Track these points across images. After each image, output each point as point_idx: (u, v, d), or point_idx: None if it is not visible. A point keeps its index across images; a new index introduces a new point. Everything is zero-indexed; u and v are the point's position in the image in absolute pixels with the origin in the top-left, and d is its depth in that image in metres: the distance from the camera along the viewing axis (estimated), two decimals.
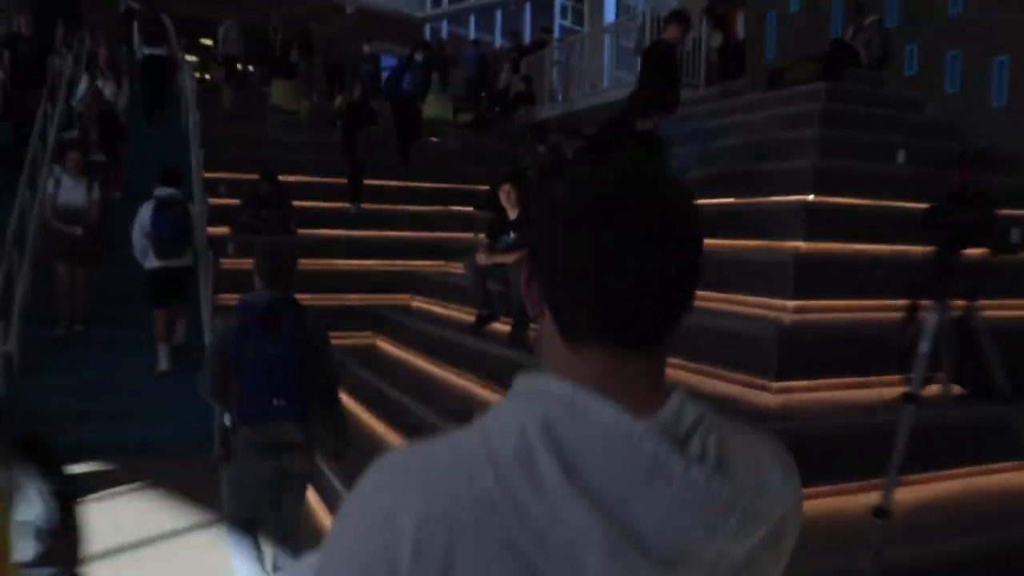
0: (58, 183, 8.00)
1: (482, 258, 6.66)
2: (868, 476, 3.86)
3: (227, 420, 3.89)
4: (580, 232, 0.84)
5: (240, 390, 3.68)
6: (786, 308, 5.00)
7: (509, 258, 6.52)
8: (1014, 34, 7.85)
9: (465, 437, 0.85)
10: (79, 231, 7.96)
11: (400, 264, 9.63)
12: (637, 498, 0.79)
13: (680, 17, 7.40)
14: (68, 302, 8.05)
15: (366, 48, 13.32)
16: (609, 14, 18.10)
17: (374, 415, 6.70)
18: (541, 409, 0.82)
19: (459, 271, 9.38)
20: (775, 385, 4.32)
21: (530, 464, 0.79)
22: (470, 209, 10.60)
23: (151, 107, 12.05)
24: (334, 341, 8.30)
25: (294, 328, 3.73)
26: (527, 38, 20.28)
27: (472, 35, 18.75)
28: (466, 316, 7.72)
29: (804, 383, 4.40)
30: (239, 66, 14.65)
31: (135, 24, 12.41)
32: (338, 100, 12.82)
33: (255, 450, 3.72)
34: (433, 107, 13.02)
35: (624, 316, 0.84)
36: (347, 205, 10.23)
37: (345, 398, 7.54)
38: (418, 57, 11.42)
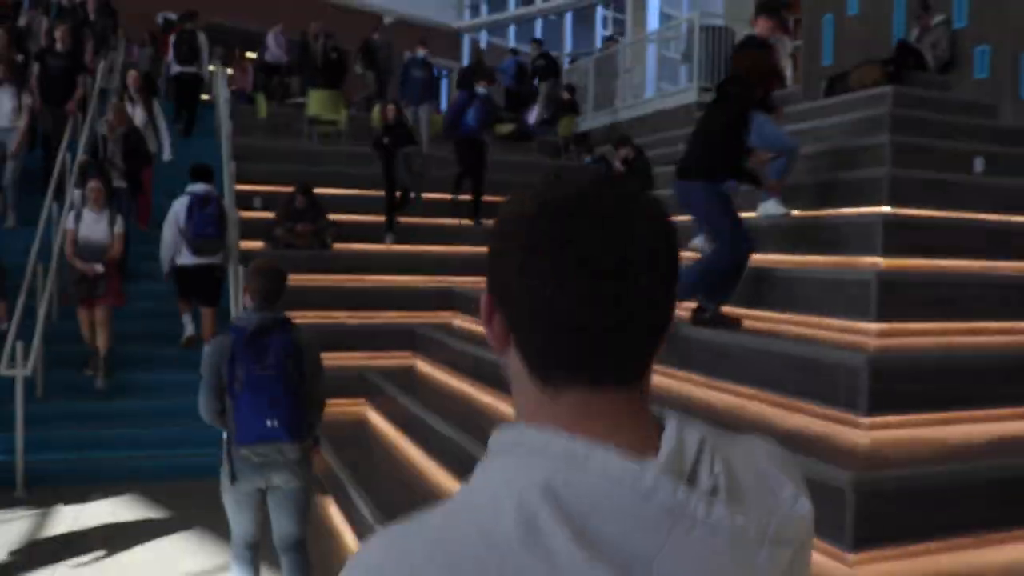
0: (79, 216, 7.48)
1: None
2: (985, 530, 3.36)
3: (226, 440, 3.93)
4: (543, 255, 0.76)
5: (234, 412, 3.75)
6: (869, 332, 4.51)
7: None
8: None
9: (449, 518, 0.75)
10: (100, 268, 7.38)
11: (441, 280, 9.22)
12: (660, 555, 0.71)
13: (769, 9, 6.57)
14: (92, 344, 7.49)
15: (420, 53, 12.34)
16: (652, 23, 17.66)
17: (414, 443, 6.30)
18: (535, 469, 0.74)
19: None
20: (865, 421, 3.83)
21: (536, 539, 0.69)
22: None
23: (183, 122, 11.87)
24: (371, 361, 8.12)
25: (283, 348, 3.79)
26: (568, 47, 19.97)
27: (511, 45, 18.39)
28: None
29: (898, 418, 3.90)
30: (279, 77, 14.29)
31: (171, 40, 12.26)
32: (375, 111, 12.47)
33: (252, 470, 3.79)
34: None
35: (599, 349, 0.77)
36: (384, 225, 9.78)
37: (382, 423, 7.19)
38: (480, 90, 10.34)
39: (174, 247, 7.66)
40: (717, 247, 5.20)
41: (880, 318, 4.49)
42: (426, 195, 10.23)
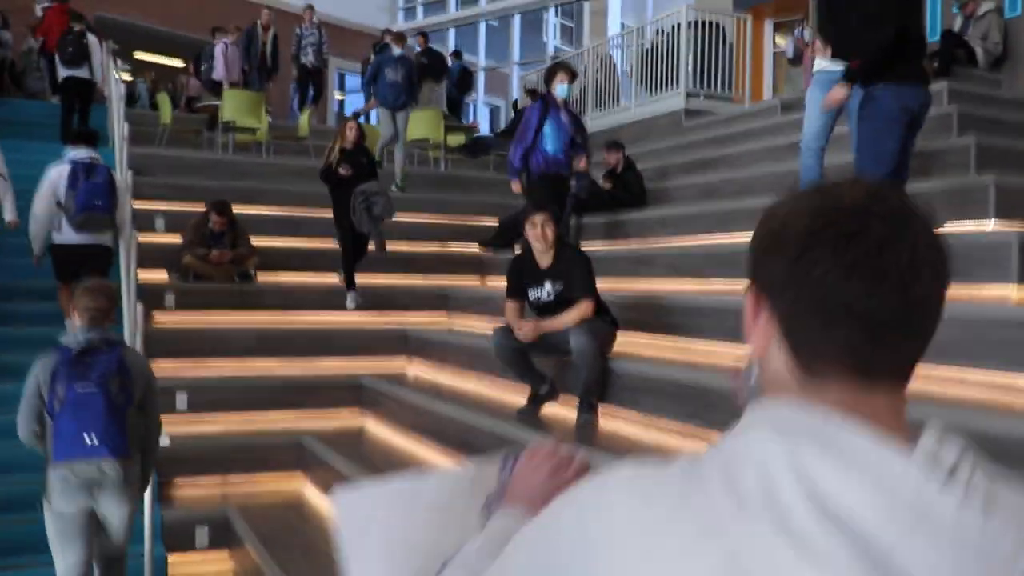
0: None
1: (527, 332, 4.98)
2: None
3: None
4: (829, 247, 0.81)
5: (54, 430, 3.92)
6: None
7: (563, 323, 4.91)
8: None
9: (700, 463, 0.82)
10: None
11: (391, 319, 7.98)
12: (901, 543, 0.73)
13: None
14: None
15: (396, 50, 10.63)
16: (613, 30, 16.82)
17: None
18: (785, 441, 0.78)
19: (466, 327, 7.83)
20: None
21: (774, 500, 0.74)
22: (475, 249, 9.01)
23: (68, 127, 10.52)
24: (308, 423, 6.82)
25: (108, 367, 3.98)
26: (516, 56, 19.08)
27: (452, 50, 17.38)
28: (485, 390, 6.15)
29: None
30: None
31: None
32: (304, 116, 11.21)
33: (72, 490, 3.96)
34: (422, 125, 11.45)
35: (877, 342, 0.82)
36: (344, 289, 7.93)
37: (327, 506, 5.90)
38: (562, 89, 7.04)
39: (48, 223, 6.69)
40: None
41: None
42: None
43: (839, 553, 0.71)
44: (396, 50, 10.65)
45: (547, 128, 6.99)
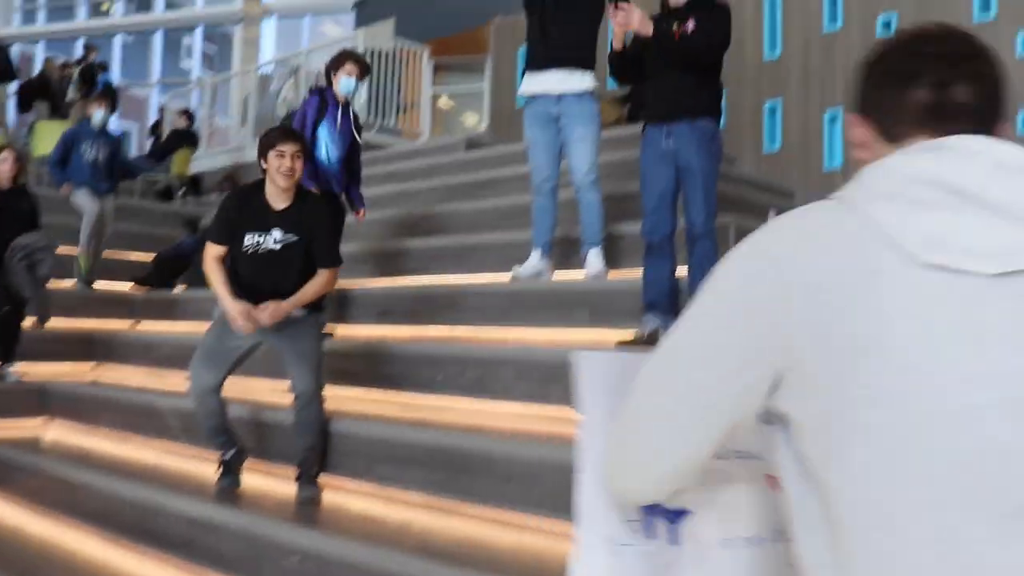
0: None
1: (268, 317, 3.96)
2: None
3: None
4: (907, 60, 1.12)
5: None
6: None
7: (305, 301, 4.06)
8: (850, 83, 7.02)
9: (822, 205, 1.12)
10: None
11: (21, 370, 6.50)
12: (989, 183, 1.00)
13: None
14: None
15: (98, 113, 8.15)
16: (267, 55, 15.87)
17: None
18: (892, 162, 1.07)
19: (121, 380, 6.56)
20: None
21: (875, 186, 1.06)
22: (125, 287, 7.71)
23: None
24: None
25: None
26: (158, 73, 17.43)
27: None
28: (162, 458, 5.08)
29: None
30: None
31: None
32: None
33: None
34: (53, 143, 9.75)
35: (952, 113, 1.09)
36: None
37: None
38: (346, 83, 5.65)
39: None
40: (708, 233, 4.24)
41: None
42: None
43: (943, 197, 1.00)
44: (97, 115, 8.13)
45: (323, 131, 5.51)
